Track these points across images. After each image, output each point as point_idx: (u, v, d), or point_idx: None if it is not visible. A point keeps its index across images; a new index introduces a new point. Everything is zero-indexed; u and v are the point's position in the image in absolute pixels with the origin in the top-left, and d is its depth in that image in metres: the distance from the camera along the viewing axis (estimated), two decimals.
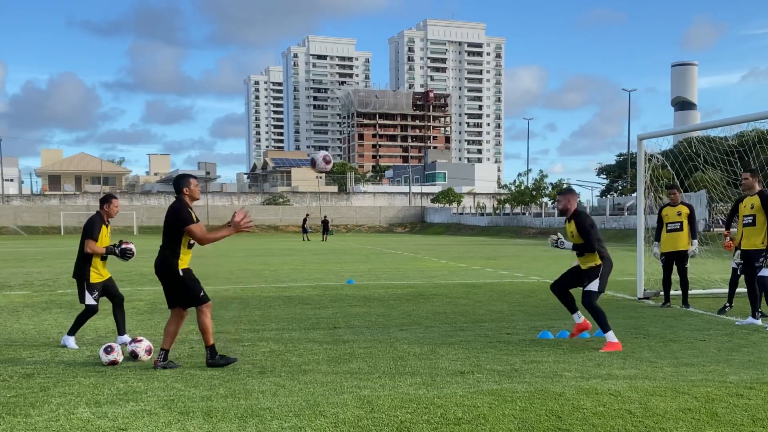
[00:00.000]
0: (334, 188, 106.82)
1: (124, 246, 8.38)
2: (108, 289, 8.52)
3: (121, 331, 8.57)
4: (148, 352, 7.54)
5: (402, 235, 73.22)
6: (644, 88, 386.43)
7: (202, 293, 7.15)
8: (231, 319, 10.72)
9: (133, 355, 7.54)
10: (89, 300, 8.29)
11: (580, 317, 8.60)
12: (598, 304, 8.23)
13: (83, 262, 8.29)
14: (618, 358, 7.56)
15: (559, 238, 8.45)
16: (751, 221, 10.00)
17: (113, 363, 7.23)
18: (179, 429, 5.08)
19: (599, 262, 8.27)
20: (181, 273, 7.04)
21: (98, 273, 8.35)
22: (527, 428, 5.06)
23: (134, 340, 7.67)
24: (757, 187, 10.04)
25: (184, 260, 7.12)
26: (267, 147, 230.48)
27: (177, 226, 6.99)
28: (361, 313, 11.23)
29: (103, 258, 8.37)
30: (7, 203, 79.98)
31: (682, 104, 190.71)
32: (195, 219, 7.01)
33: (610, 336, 8.10)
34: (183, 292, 7.09)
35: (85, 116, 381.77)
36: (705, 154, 14.37)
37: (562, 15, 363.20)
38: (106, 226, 8.42)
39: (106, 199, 8.49)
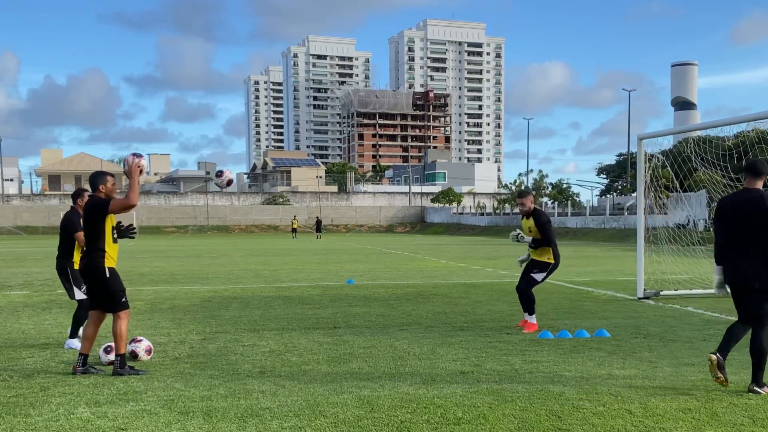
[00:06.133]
0: (334, 188, 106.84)
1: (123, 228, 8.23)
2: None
3: (73, 335, 8.43)
4: (148, 352, 7.54)
5: (402, 235, 73.24)
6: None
7: (124, 299, 7.03)
8: (231, 319, 10.71)
9: (133, 355, 7.53)
10: (79, 294, 8.25)
11: (533, 318, 9.73)
12: (532, 292, 9.70)
13: (64, 259, 8.28)
14: (618, 358, 7.56)
15: (519, 233, 9.76)
16: None
17: (113, 363, 7.22)
18: (179, 429, 5.08)
19: (552, 261, 9.71)
20: (107, 273, 6.91)
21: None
22: (527, 428, 5.06)
23: (134, 340, 7.67)
24: None
25: (111, 258, 6.98)
26: (267, 147, 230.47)
27: (100, 215, 6.85)
28: (361, 313, 11.23)
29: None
30: (7, 203, 79.98)
31: (682, 104, 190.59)
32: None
33: (532, 318, 9.64)
34: (108, 294, 6.96)
35: (103, 114, 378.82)
36: (703, 154, 14.36)
37: (587, 8, 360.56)
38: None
39: (78, 194, 8.47)
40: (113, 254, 7.03)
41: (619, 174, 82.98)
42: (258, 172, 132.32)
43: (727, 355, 6.19)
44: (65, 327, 9.92)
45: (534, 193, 10.22)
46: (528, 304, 9.66)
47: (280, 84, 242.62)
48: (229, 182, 7.93)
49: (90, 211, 6.92)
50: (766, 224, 5.96)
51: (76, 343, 8.26)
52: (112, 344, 7.37)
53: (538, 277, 9.72)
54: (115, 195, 7.13)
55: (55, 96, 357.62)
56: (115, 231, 7.08)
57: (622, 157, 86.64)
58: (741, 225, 6.11)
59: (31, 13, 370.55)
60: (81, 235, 8.13)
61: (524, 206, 9.67)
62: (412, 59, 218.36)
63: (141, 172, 6.94)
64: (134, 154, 6.94)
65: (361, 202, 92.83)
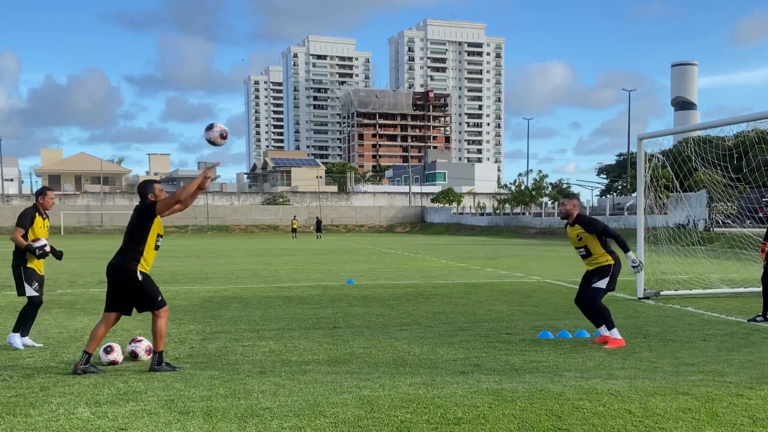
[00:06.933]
0: (334, 188, 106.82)
1: (35, 244, 8.18)
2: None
3: (16, 329, 8.40)
4: (148, 352, 7.53)
5: (402, 235, 73.24)
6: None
7: (160, 297, 7.02)
8: (231, 319, 10.71)
9: (133, 355, 7.54)
10: (30, 291, 8.24)
11: (605, 330, 8.45)
12: (602, 303, 8.38)
13: (19, 257, 8.28)
14: (618, 358, 7.56)
15: (638, 263, 8.53)
16: None
17: (113, 363, 7.23)
18: (179, 429, 5.08)
19: (611, 261, 8.43)
20: (140, 277, 6.89)
21: (35, 266, 8.32)
22: (527, 428, 5.06)
23: (134, 340, 7.68)
24: None
25: (146, 263, 6.97)
26: (267, 147, 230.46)
27: (147, 218, 6.87)
28: (361, 313, 11.23)
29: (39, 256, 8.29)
30: (7, 203, 79.97)
31: (682, 104, 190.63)
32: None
33: (615, 333, 8.29)
34: (141, 296, 6.94)
35: (103, 114, 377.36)
36: (703, 154, 14.37)
37: (588, 8, 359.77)
38: (43, 218, 8.43)
39: (41, 192, 8.53)
40: (150, 260, 7.00)
41: (619, 174, 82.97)
42: (258, 172, 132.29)
43: None
44: (65, 327, 9.93)
45: (577, 199, 8.77)
46: (603, 318, 8.33)
47: (280, 84, 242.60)
48: (223, 135, 6.94)
49: (139, 215, 6.93)
50: None
51: (16, 340, 8.22)
52: (112, 344, 7.39)
53: (602, 284, 8.37)
54: None
55: (56, 96, 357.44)
56: (160, 238, 7.07)
57: (622, 157, 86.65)
58: None
59: (31, 12, 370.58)
60: (19, 233, 8.18)
61: (564, 206, 8.60)
62: (412, 59, 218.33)
63: (208, 180, 6.90)
64: (214, 135, 6.85)
65: (361, 202, 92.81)
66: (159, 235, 7.03)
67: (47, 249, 8.27)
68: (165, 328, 7.04)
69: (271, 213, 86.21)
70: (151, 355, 7.54)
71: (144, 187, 7.10)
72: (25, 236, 8.24)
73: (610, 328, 8.30)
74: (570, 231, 8.63)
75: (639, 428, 5.05)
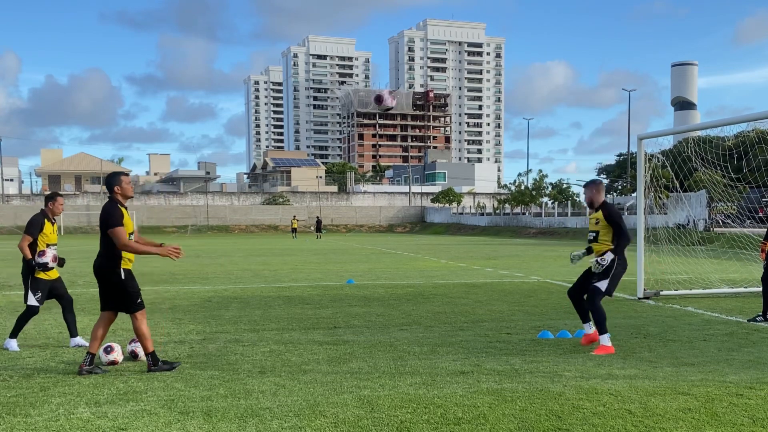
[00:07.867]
0: (334, 188, 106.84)
1: (38, 260, 8.12)
2: (55, 291, 8.45)
3: (72, 333, 8.47)
4: None
5: (402, 235, 73.23)
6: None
7: (138, 300, 6.95)
8: (231, 319, 10.71)
9: (133, 355, 7.54)
10: (31, 300, 8.19)
11: (591, 328, 8.35)
12: (600, 305, 7.94)
13: (27, 264, 8.24)
14: (618, 358, 7.56)
15: (604, 262, 7.99)
16: None
17: (113, 363, 7.24)
18: (179, 429, 5.08)
19: (611, 247, 7.99)
20: (122, 275, 6.86)
21: (42, 274, 8.27)
22: (527, 428, 5.06)
23: (134, 340, 7.67)
24: None
25: (128, 260, 6.94)
26: (267, 147, 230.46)
27: (106, 227, 6.80)
28: (361, 313, 11.23)
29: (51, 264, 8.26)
30: (7, 203, 79.98)
31: (682, 104, 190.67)
32: (122, 222, 6.77)
33: (605, 339, 7.90)
34: (121, 295, 6.89)
35: (104, 114, 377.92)
36: (703, 154, 14.37)
37: (590, 7, 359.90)
38: (52, 223, 8.41)
39: (51, 197, 8.48)
40: (129, 256, 6.97)
41: (619, 174, 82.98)
42: (258, 172, 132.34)
43: None
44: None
45: (594, 185, 8.30)
46: (597, 322, 7.94)
47: (280, 84, 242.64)
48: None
49: (104, 217, 6.84)
50: None
51: (13, 345, 8.23)
52: (112, 344, 7.39)
53: (602, 285, 7.98)
54: (131, 193, 7.06)
55: (57, 96, 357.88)
56: (131, 236, 6.95)
57: (622, 157, 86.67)
58: None
59: (32, 12, 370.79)
60: (26, 242, 8.14)
61: (586, 195, 8.35)
62: (412, 59, 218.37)
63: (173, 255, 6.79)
64: None
65: (361, 202, 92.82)
66: (130, 234, 6.92)
67: (50, 266, 8.17)
68: (146, 329, 6.96)
69: (271, 213, 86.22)
70: None
71: (110, 179, 7.00)
72: (34, 244, 8.22)
73: (601, 333, 7.92)
74: (592, 216, 8.35)
75: (639, 428, 5.05)
